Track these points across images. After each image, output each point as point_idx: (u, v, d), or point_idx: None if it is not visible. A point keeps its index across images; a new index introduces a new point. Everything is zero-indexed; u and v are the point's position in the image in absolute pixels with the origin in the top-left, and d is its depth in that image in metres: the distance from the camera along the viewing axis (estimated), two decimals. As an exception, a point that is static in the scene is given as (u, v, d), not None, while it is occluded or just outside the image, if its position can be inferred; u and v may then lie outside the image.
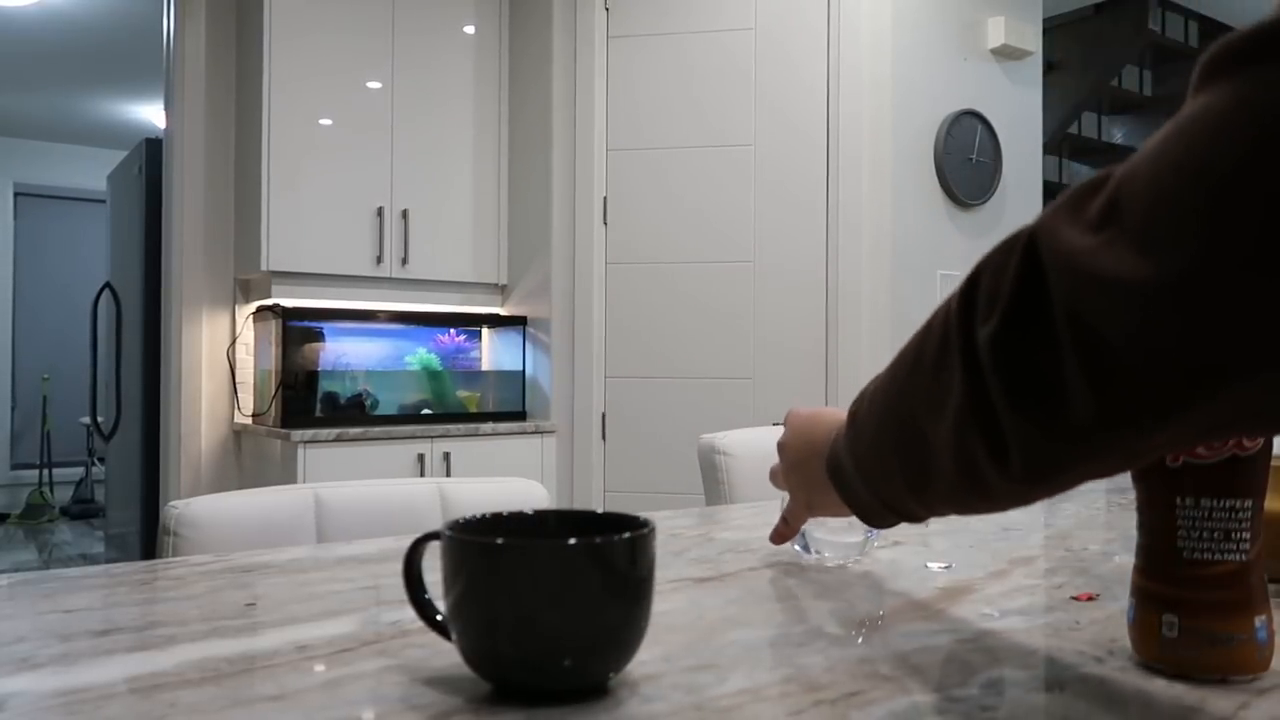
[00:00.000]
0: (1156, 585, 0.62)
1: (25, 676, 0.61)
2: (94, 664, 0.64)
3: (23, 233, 7.45)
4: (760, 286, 3.18)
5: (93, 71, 5.85)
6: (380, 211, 3.39)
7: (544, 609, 0.55)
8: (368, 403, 3.35)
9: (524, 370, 3.52)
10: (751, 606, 0.80)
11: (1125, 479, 1.72)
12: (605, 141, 3.31)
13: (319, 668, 0.64)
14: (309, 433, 2.97)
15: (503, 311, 3.67)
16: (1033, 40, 3.53)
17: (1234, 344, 0.39)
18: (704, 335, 3.21)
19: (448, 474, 3.19)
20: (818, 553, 0.99)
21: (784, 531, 0.93)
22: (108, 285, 4.44)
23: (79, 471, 6.90)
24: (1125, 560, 1.00)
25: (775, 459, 0.88)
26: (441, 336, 3.63)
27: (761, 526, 1.19)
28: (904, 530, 1.17)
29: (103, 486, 5.64)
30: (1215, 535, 0.60)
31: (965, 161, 3.33)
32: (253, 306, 3.44)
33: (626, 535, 0.58)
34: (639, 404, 3.26)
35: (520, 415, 3.51)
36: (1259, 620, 0.60)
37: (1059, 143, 5.42)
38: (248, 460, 3.37)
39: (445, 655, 0.66)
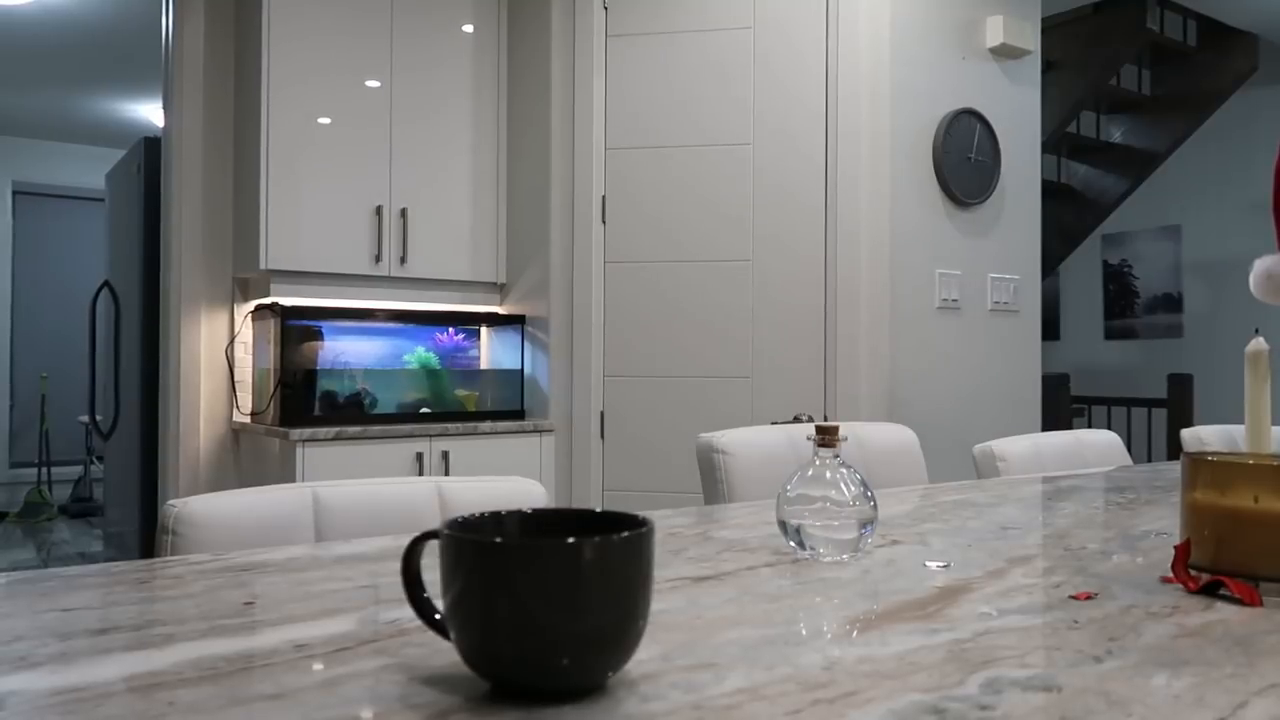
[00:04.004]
0: None
1: (23, 675, 0.61)
2: (92, 663, 0.64)
3: (21, 232, 7.44)
4: (758, 286, 3.18)
5: (91, 70, 5.85)
6: (379, 210, 3.39)
7: (542, 608, 0.55)
8: (366, 401, 3.35)
9: (522, 369, 3.52)
10: (750, 605, 0.80)
11: (1123, 479, 1.72)
12: (604, 140, 3.31)
13: (317, 666, 0.63)
14: (307, 431, 2.97)
15: (501, 310, 3.67)
16: (1031, 39, 3.53)
17: None
18: (702, 334, 3.21)
19: (446, 473, 3.19)
20: (812, 549, 0.99)
21: None
22: (106, 284, 4.44)
23: (77, 470, 6.89)
24: (1123, 559, 1.00)
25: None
26: (440, 335, 3.63)
27: (760, 525, 1.19)
28: (902, 529, 1.17)
29: (101, 485, 5.63)
30: None
31: (964, 160, 3.33)
32: (251, 305, 3.44)
33: (625, 534, 0.58)
34: (637, 403, 3.26)
35: (519, 414, 3.51)
36: None
37: (1057, 142, 5.42)
38: (246, 459, 3.37)
39: (444, 654, 0.66)
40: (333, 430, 3.02)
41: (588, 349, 3.28)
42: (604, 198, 3.30)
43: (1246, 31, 5.23)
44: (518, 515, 0.66)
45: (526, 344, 3.50)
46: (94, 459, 6.59)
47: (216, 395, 3.41)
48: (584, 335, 3.29)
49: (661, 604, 0.80)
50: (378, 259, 3.38)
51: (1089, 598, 0.83)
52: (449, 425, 3.23)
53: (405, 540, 0.67)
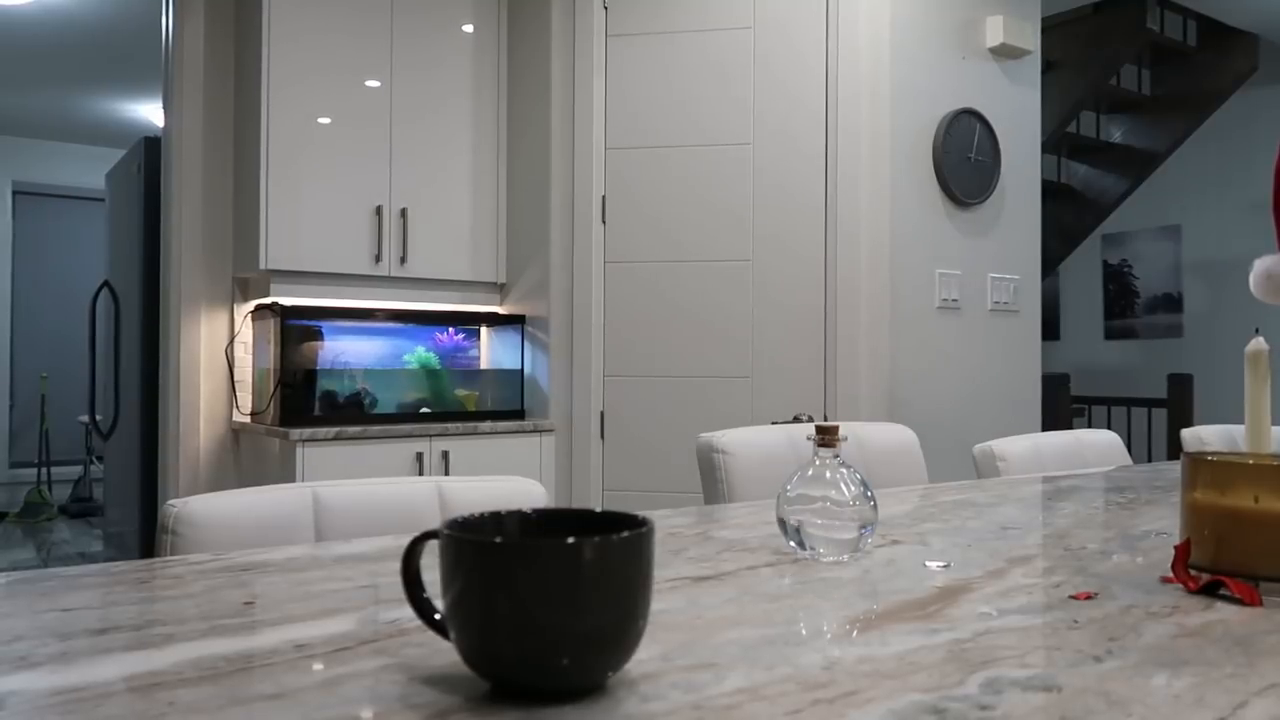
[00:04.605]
0: None
1: (23, 675, 0.61)
2: (92, 663, 0.64)
3: (21, 231, 7.44)
4: (758, 286, 3.18)
5: (91, 70, 5.85)
6: (379, 210, 3.39)
7: (542, 608, 0.55)
8: (366, 401, 3.35)
9: (522, 369, 3.52)
10: (750, 605, 0.80)
11: (1123, 479, 1.72)
12: (604, 140, 3.31)
13: (317, 666, 0.63)
14: (307, 431, 2.97)
15: (501, 310, 3.67)
16: (1031, 39, 3.53)
17: None
18: (702, 334, 3.21)
19: (446, 473, 3.19)
20: (812, 549, 0.99)
21: None
22: (106, 284, 4.44)
23: (77, 470, 6.89)
24: (1123, 559, 1.00)
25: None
26: (440, 335, 3.63)
27: (760, 525, 1.19)
28: (902, 529, 1.17)
29: (101, 485, 5.63)
30: None
31: (964, 160, 3.33)
32: (251, 305, 3.44)
33: (625, 534, 0.58)
34: (637, 403, 3.26)
35: (519, 414, 3.51)
36: None
37: (1057, 142, 5.42)
38: (246, 459, 3.37)
39: (443, 654, 0.66)
40: (333, 430, 3.02)
41: (588, 349, 3.28)
42: (604, 198, 3.30)
43: (1246, 31, 5.23)
44: (518, 515, 0.66)
45: (526, 344, 3.50)
46: (94, 459, 6.59)
47: (216, 395, 3.41)
48: (584, 335, 3.29)
49: (661, 604, 0.80)
50: (378, 259, 3.38)
51: (1089, 598, 0.83)
52: (449, 425, 3.23)
53: (405, 540, 0.67)
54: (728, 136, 3.21)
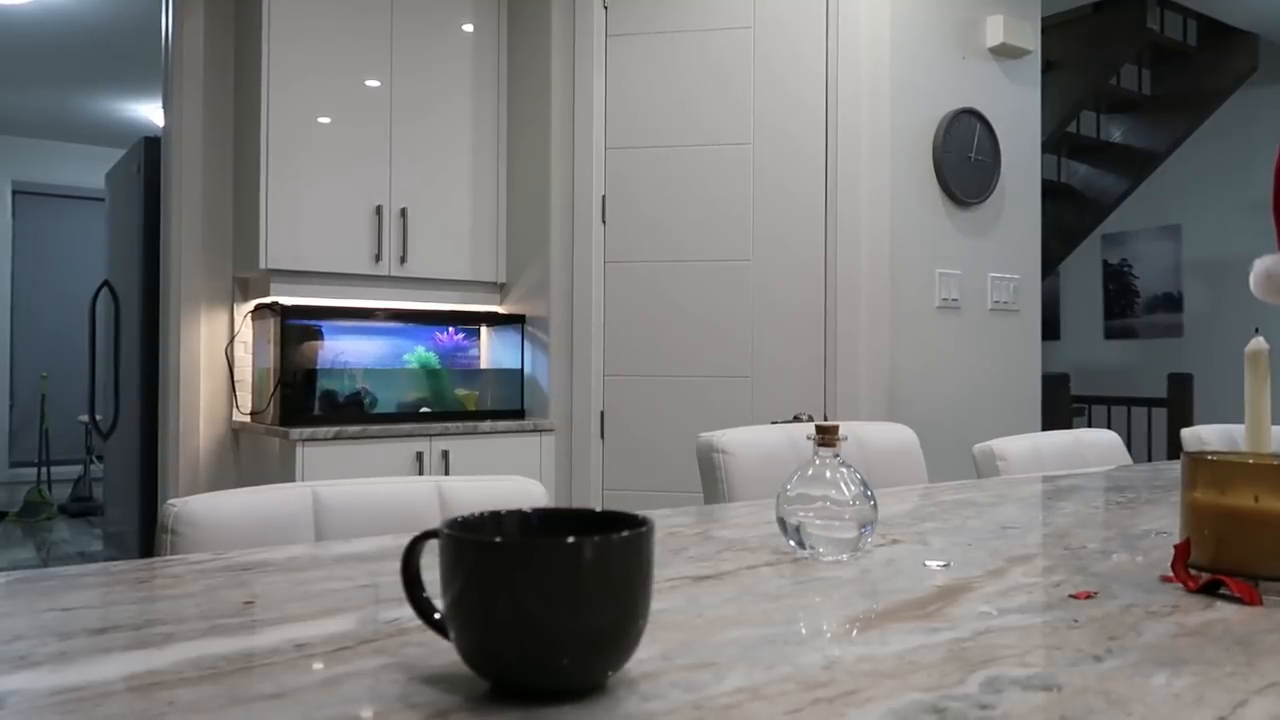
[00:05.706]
0: None
1: (23, 675, 0.61)
2: (92, 662, 0.64)
3: (21, 231, 7.44)
4: (758, 285, 3.18)
5: (91, 70, 5.85)
6: (379, 210, 3.39)
7: (542, 608, 0.55)
8: (366, 401, 3.35)
9: (522, 369, 3.52)
10: (749, 605, 0.80)
11: (1123, 479, 1.71)
12: (604, 140, 3.31)
13: (317, 666, 0.63)
14: (307, 431, 2.97)
15: (501, 310, 3.67)
16: (1031, 39, 3.53)
17: None
18: (702, 334, 3.21)
19: (446, 472, 3.19)
20: (812, 549, 0.99)
21: None
22: (106, 283, 4.44)
23: (77, 469, 6.89)
24: (1123, 559, 1.00)
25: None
26: (440, 335, 3.63)
27: (760, 525, 1.19)
28: (902, 529, 1.17)
29: (101, 484, 5.63)
30: None
31: (964, 160, 3.33)
32: (251, 305, 3.44)
33: (625, 534, 0.58)
34: (637, 403, 3.26)
35: (519, 414, 3.51)
36: None
37: (1057, 141, 5.41)
38: (246, 458, 3.37)
39: (443, 654, 0.66)
40: (333, 430, 3.02)
41: (588, 349, 3.28)
42: (604, 198, 3.30)
43: (1246, 31, 5.23)
44: (517, 515, 0.66)
45: (526, 344, 3.50)
46: (94, 458, 6.60)
47: (216, 395, 3.41)
48: (584, 335, 3.29)
49: (661, 604, 0.80)
50: (378, 258, 3.38)
51: (1089, 597, 0.83)
52: (449, 425, 3.22)
53: (405, 540, 0.67)
54: (728, 136, 3.21)
